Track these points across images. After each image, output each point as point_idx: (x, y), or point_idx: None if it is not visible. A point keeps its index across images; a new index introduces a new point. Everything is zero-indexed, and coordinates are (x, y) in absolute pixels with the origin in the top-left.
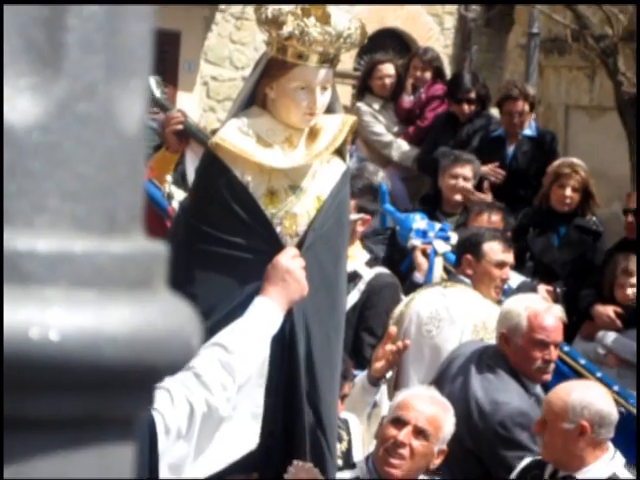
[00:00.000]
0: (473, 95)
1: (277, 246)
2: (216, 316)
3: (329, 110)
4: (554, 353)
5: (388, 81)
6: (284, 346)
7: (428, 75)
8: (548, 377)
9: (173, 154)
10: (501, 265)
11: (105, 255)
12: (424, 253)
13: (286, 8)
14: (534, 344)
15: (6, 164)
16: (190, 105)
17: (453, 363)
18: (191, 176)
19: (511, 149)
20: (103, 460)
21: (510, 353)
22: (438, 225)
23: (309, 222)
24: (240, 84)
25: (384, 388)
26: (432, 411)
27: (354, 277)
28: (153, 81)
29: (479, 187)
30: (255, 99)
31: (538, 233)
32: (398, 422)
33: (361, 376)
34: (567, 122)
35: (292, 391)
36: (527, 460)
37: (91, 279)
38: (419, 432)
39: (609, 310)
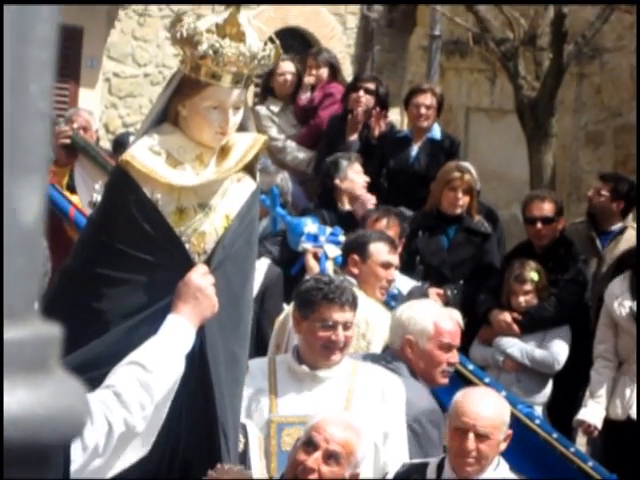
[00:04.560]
0: (371, 86)
1: (187, 263)
2: (118, 334)
3: (241, 128)
4: (456, 356)
5: (288, 78)
6: (193, 363)
7: (324, 73)
8: (447, 380)
9: (62, 167)
10: (387, 266)
11: (4, 341)
12: (315, 257)
13: (201, 27)
14: (440, 348)
15: None
16: (92, 101)
17: None
18: (80, 189)
19: (415, 150)
20: None
21: (414, 357)
22: (329, 229)
23: (217, 240)
24: (142, 81)
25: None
26: (345, 435)
27: None
28: None
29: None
30: (167, 116)
31: (427, 236)
32: (309, 445)
33: None
34: (467, 124)
35: (205, 405)
36: (405, 465)
37: None
38: (330, 456)
39: (507, 316)
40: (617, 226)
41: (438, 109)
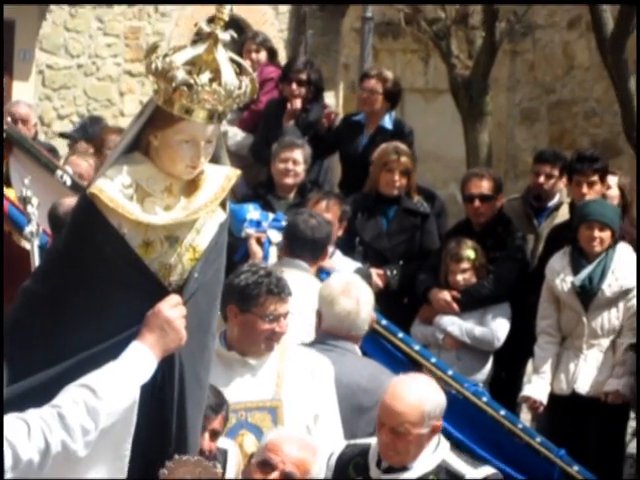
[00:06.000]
0: (304, 76)
1: (160, 292)
2: (85, 357)
3: (214, 159)
4: None
5: None
6: (154, 390)
7: (263, 56)
8: None
9: None
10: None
11: None
12: (259, 242)
13: (177, 62)
14: None
15: None
16: (26, 94)
17: None
18: (15, 182)
19: (365, 139)
20: None
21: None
22: (272, 215)
23: (182, 272)
24: (75, 72)
25: None
26: (300, 455)
27: None
28: None
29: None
30: (138, 145)
31: (367, 218)
32: (265, 466)
33: None
34: (403, 105)
35: (160, 430)
36: (349, 445)
37: None
38: (286, 477)
39: (445, 294)
40: (552, 202)
41: (391, 95)
